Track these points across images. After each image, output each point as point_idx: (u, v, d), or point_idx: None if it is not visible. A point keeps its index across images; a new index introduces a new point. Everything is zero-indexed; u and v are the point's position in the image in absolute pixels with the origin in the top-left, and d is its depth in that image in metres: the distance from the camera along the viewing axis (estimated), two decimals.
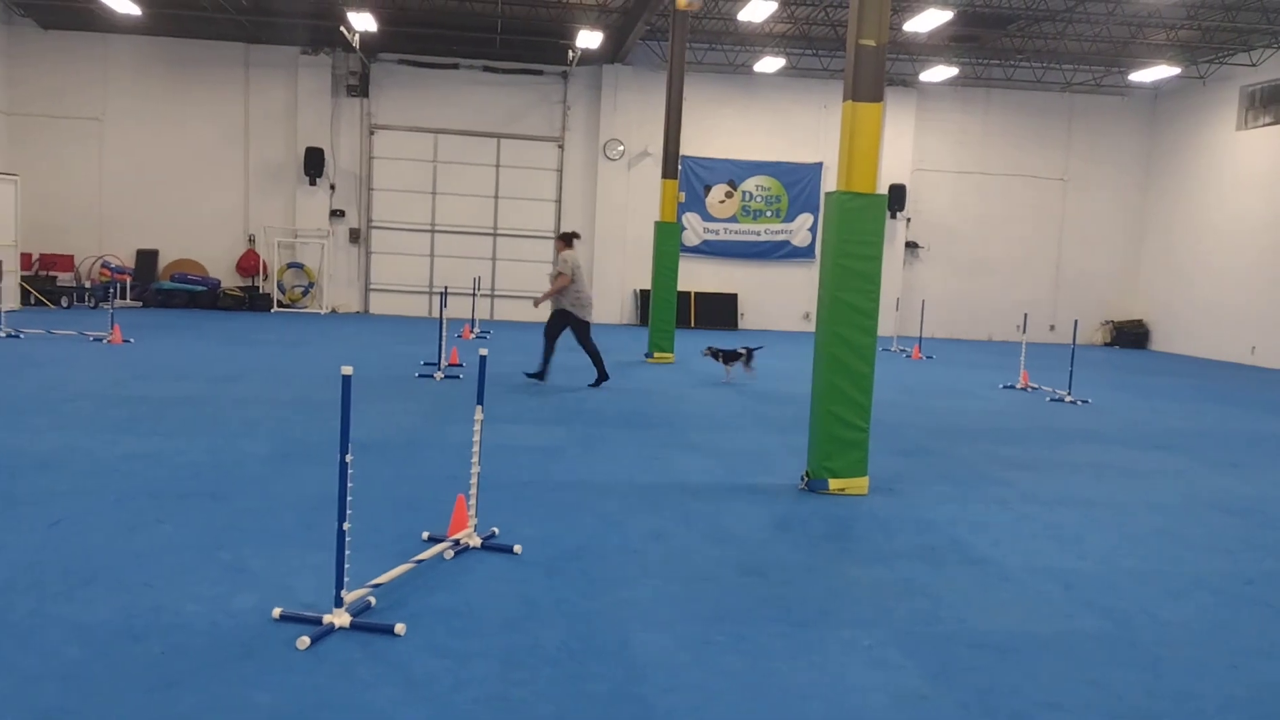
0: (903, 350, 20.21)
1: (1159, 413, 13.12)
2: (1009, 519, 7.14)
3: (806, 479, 7.67)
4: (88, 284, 21.83)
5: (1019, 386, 14.97)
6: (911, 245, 24.63)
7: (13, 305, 18.57)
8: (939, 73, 22.44)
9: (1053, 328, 24.74)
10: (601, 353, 13.15)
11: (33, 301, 20.35)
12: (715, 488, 7.67)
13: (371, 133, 23.23)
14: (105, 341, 14.79)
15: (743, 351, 14.32)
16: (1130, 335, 24.83)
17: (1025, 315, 17.77)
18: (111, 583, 4.90)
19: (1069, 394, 13.96)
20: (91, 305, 21.06)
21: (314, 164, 22.43)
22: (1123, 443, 10.52)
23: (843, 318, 7.42)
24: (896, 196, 23.73)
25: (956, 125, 24.67)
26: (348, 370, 4.39)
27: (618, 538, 6.15)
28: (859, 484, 7.56)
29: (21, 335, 15.07)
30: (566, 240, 12.96)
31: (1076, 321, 17.45)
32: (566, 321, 12.76)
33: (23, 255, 20.37)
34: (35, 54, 22.03)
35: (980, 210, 24.94)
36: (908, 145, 24.11)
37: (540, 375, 12.86)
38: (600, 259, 23.71)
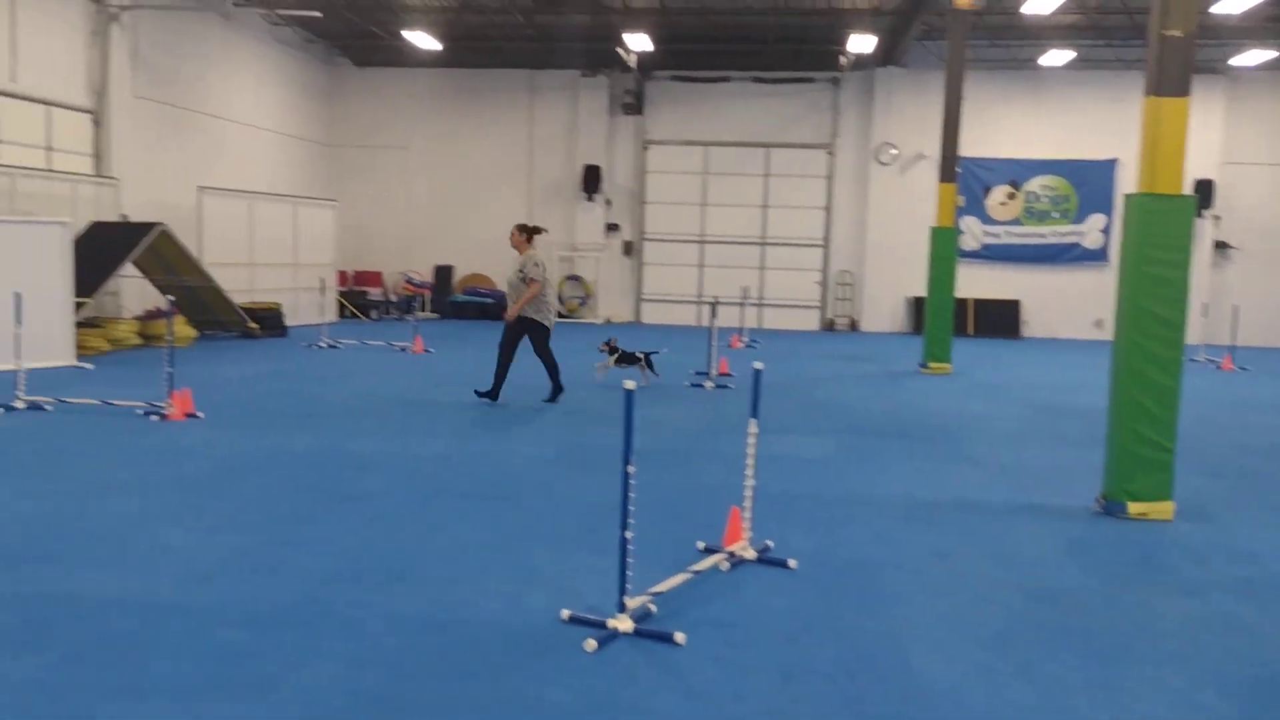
0: (1211, 361, 18.45)
1: None
2: None
3: (1102, 501, 7.17)
4: (393, 298, 23.85)
5: None
6: (1221, 245, 22.47)
7: (332, 319, 20.59)
8: (1253, 56, 20.34)
9: None
10: (556, 366, 11.48)
11: (347, 315, 22.48)
12: (999, 506, 7.32)
13: (645, 148, 23.96)
14: (409, 351, 16.10)
15: (640, 356, 12.45)
16: None
17: None
18: (420, 577, 5.33)
19: None
20: (396, 317, 22.99)
21: (591, 180, 23.41)
22: None
23: (1144, 328, 6.89)
24: (1203, 193, 21.72)
25: (1274, 113, 22.29)
26: (630, 385, 4.55)
27: (895, 555, 6.00)
28: (1163, 508, 6.98)
29: (340, 346, 16.67)
30: (529, 235, 11.10)
31: None
32: (525, 330, 10.97)
33: (339, 273, 22.54)
34: (351, 90, 24.37)
35: None
36: (1216, 137, 22.01)
37: (493, 394, 11.04)
38: (871, 265, 23.28)
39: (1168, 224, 6.83)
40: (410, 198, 24.43)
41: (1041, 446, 9.75)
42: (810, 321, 23.91)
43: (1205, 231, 22.01)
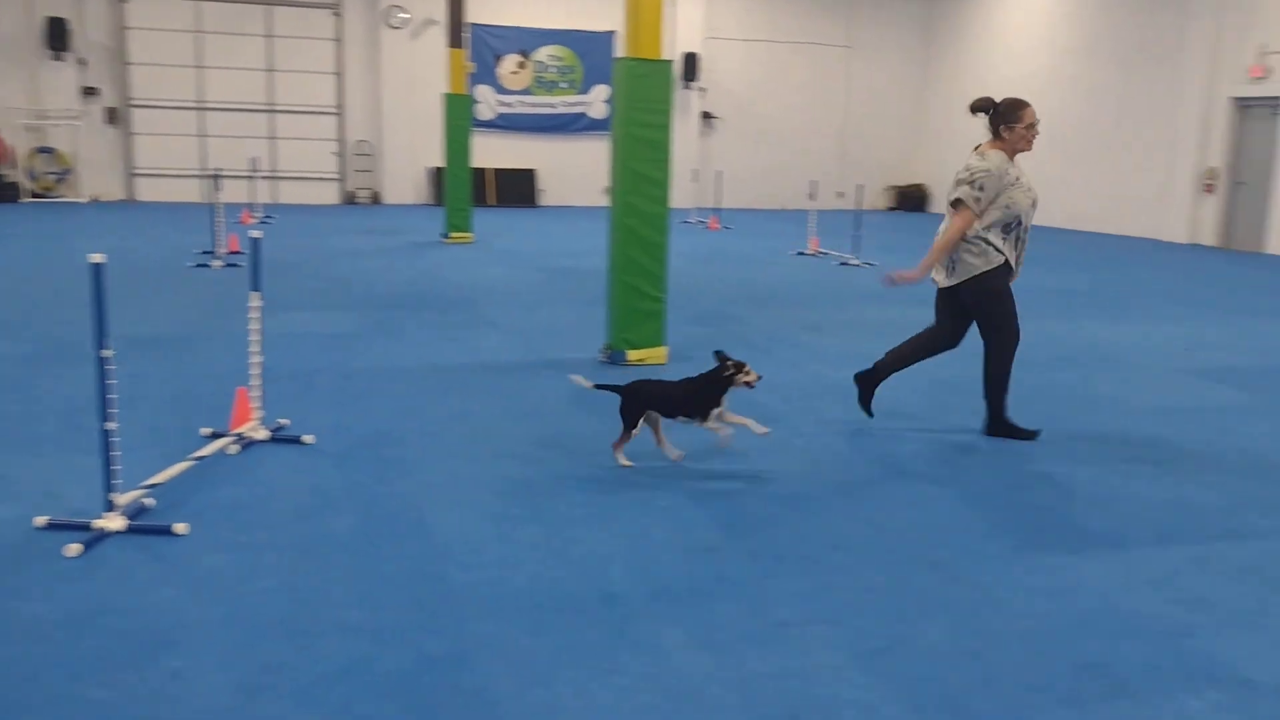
0: (701, 221, 20.51)
1: None
2: (800, 378, 7.42)
3: (607, 351, 7.72)
4: None
5: (809, 252, 15.49)
6: (707, 116, 24.76)
7: None
8: None
9: (841, 194, 25.56)
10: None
11: None
12: (517, 365, 7.61)
13: (122, 0, 21.12)
14: None
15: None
16: (912, 199, 26.05)
17: (814, 183, 18.28)
18: None
19: (855, 257, 14.56)
20: None
21: (57, 36, 20.25)
22: (905, 301, 11.08)
23: (634, 188, 7.38)
24: (690, 66, 23.68)
25: None
26: (98, 258, 4.02)
27: (415, 421, 6.03)
28: (658, 353, 7.67)
29: None
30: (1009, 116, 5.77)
31: (861, 187, 18.12)
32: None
33: None
34: None
35: (771, 79, 25.24)
36: (699, 12, 23.97)
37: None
38: (389, 135, 22.74)
39: (650, 87, 7.28)
40: None
41: (555, 307, 10.27)
42: (330, 195, 22.98)
43: (692, 102, 24.10)
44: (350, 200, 22.96)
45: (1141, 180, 19.58)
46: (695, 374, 5.30)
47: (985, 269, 5.72)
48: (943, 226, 5.81)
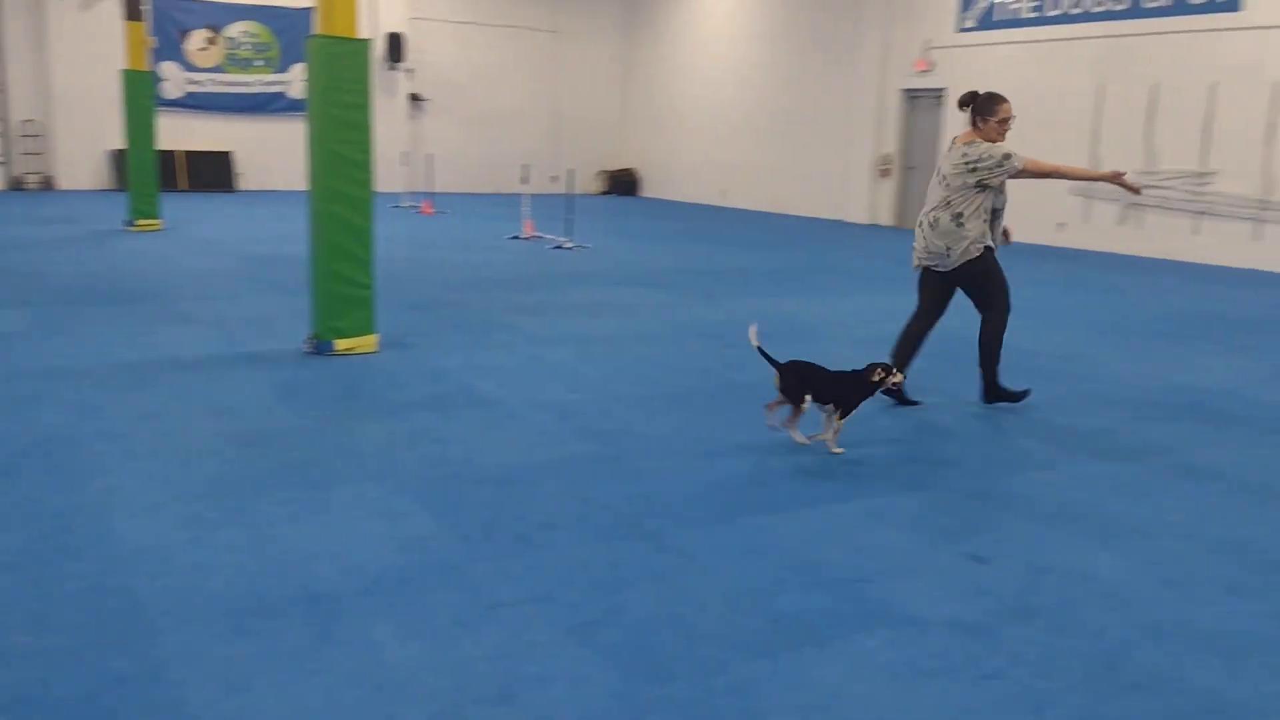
0: (413, 206, 20.09)
1: (647, 253, 14.36)
2: (514, 361, 7.46)
3: (312, 341, 7.41)
4: None
5: (524, 236, 15.56)
6: (415, 98, 24.24)
7: None
8: None
9: (555, 178, 25.80)
10: None
11: None
12: (214, 359, 7.16)
13: None
14: None
15: None
16: (623, 183, 26.74)
17: (527, 167, 18.34)
18: None
19: (569, 240, 14.78)
20: None
21: None
22: (617, 282, 11.38)
23: (335, 171, 7.12)
24: (395, 46, 23.08)
25: None
26: None
27: (95, 424, 5.53)
28: (367, 341, 7.45)
29: None
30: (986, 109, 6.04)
31: (573, 171, 18.39)
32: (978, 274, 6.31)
33: None
34: None
35: (480, 62, 25.06)
36: None
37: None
38: (61, 115, 20.66)
39: (347, 66, 7.03)
40: None
41: (255, 296, 9.74)
42: None
43: (399, 84, 23.52)
44: (17, 186, 20.68)
45: (826, 165, 21.10)
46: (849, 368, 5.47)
47: (978, 253, 6.13)
48: (1062, 167, 6.36)
